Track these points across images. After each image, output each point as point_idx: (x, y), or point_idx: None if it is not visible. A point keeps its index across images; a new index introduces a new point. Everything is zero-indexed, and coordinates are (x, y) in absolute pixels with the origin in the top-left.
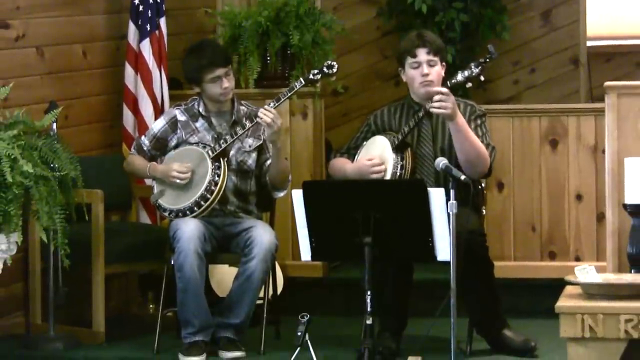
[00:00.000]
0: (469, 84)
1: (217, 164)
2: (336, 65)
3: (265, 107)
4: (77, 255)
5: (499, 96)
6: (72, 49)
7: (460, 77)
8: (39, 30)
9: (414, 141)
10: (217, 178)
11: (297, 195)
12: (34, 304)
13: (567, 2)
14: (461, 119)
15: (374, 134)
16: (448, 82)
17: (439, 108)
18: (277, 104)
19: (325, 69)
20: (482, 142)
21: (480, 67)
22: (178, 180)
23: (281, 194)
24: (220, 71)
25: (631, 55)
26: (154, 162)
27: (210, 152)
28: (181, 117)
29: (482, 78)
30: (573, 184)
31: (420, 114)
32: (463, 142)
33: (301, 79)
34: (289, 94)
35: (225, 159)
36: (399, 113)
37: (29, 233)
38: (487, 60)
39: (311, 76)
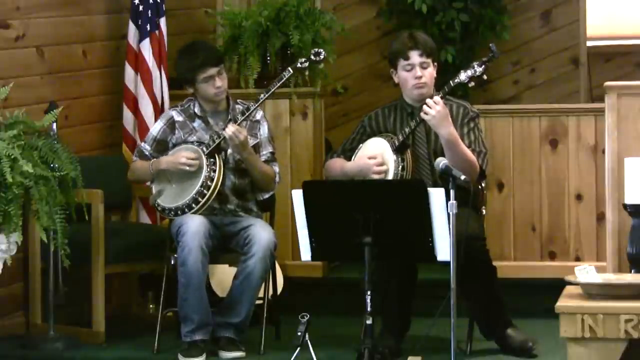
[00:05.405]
0: (472, 83)
1: (212, 160)
2: (323, 52)
3: (231, 123)
4: (77, 255)
5: (499, 96)
6: (72, 49)
7: (463, 76)
8: (39, 30)
9: (410, 142)
10: (212, 174)
11: (297, 195)
12: (34, 304)
13: (567, 2)
14: (448, 131)
15: (369, 136)
16: (451, 82)
17: (424, 113)
18: (267, 95)
19: (312, 57)
20: (474, 148)
21: (483, 67)
22: (188, 168)
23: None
24: (212, 70)
25: (631, 55)
26: (155, 159)
27: (204, 149)
28: (178, 118)
29: (485, 77)
30: (573, 184)
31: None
32: (452, 152)
33: (289, 68)
34: (278, 84)
35: (221, 155)
36: (393, 115)
37: (29, 233)
38: (490, 59)
39: (299, 64)
